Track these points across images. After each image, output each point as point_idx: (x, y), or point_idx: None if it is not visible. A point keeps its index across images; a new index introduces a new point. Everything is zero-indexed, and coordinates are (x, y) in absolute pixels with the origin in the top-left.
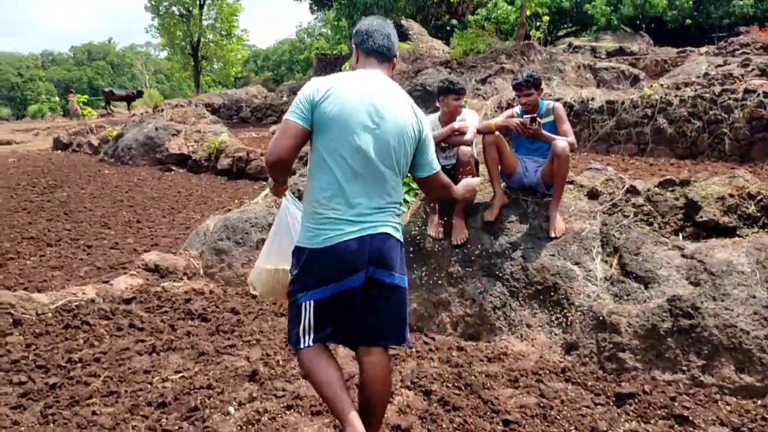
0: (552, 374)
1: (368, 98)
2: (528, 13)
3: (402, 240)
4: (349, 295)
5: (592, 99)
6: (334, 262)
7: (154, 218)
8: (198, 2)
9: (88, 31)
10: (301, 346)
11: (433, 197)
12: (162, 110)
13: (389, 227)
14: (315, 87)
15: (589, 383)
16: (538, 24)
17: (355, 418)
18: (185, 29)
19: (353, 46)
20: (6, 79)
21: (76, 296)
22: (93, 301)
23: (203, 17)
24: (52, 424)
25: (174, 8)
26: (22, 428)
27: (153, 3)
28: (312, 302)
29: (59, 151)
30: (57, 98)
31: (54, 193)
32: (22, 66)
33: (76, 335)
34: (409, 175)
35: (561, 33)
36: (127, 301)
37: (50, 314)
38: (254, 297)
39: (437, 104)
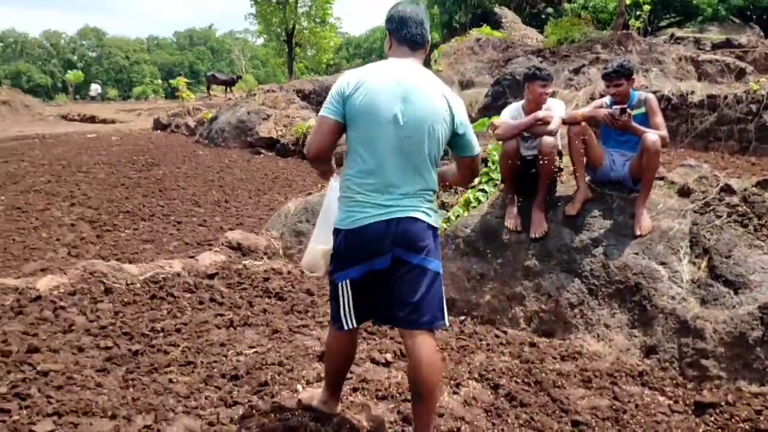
0: (628, 377)
1: (398, 88)
2: (628, 2)
3: (437, 225)
4: (379, 276)
5: (692, 92)
6: (361, 243)
7: (241, 198)
8: None
9: (190, 17)
10: (345, 328)
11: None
12: (254, 95)
13: (419, 212)
14: (346, 80)
15: (668, 389)
16: (638, 13)
17: (334, 399)
18: (281, 16)
19: (387, 31)
20: (115, 62)
21: (164, 269)
22: (179, 274)
23: (299, 4)
24: (131, 389)
25: None
26: (105, 390)
27: None
28: (348, 282)
29: (158, 131)
30: (160, 81)
31: (151, 171)
32: (129, 50)
33: (160, 306)
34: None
35: (663, 23)
36: (210, 277)
37: (138, 285)
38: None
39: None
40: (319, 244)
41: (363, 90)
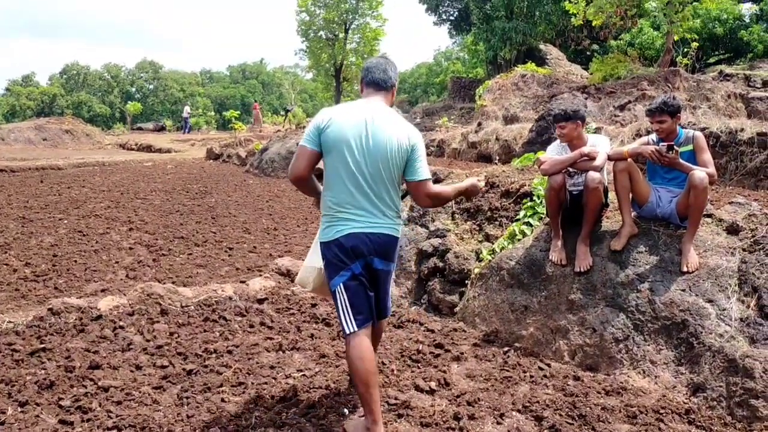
0: (674, 414)
1: (362, 123)
2: (675, 38)
3: (399, 236)
4: (362, 277)
5: (742, 130)
6: (344, 249)
7: (289, 227)
8: (344, 27)
9: (242, 51)
10: (348, 331)
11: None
12: (303, 127)
13: (387, 228)
14: (321, 117)
15: (715, 428)
16: (685, 50)
17: (380, 418)
18: (330, 52)
19: (360, 79)
20: (170, 94)
21: (216, 293)
22: (230, 298)
23: (347, 41)
24: (186, 407)
25: (321, 32)
26: (161, 407)
27: (303, 27)
28: (341, 285)
29: (211, 161)
30: (213, 113)
31: (204, 199)
32: (184, 82)
33: (213, 328)
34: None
35: (711, 60)
36: (260, 301)
37: (192, 307)
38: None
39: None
40: (312, 264)
41: (333, 126)
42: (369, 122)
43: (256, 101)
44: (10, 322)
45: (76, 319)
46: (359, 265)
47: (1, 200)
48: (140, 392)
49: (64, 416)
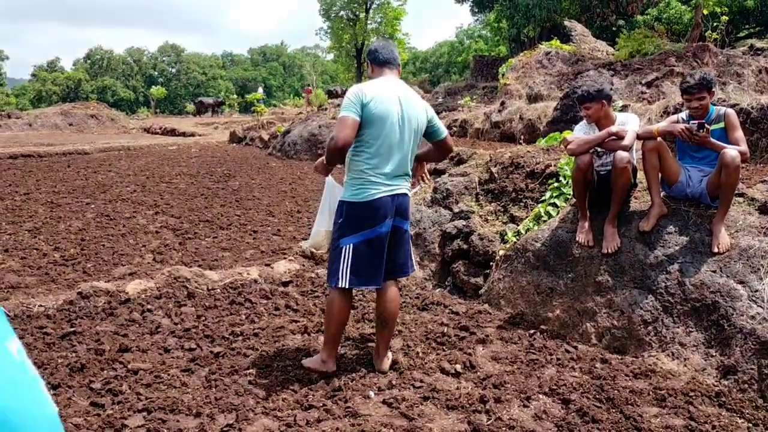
0: (704, 397)
1: (397, 99)
2: (705, 12)
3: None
4: (382, 238)
5: None
6: (373, 212)
7: (312, 209)
8: (365, 6)
9: (263, 33)
10: (338, 285)
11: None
12: (325, 109)
13: (405, 189)
14: (363, 91)
15: (747, 411)
16: (715, 24)
17: (332, 359)
18: (351, 32)
19: (368, 61)
20: (193, 77)
21: (242, 276)
22: (256, 281)
23: (368, 21)
24: (214, 389)
25: (343, 12)
26: (189, 389)
27: (325, 7)
28: (351, 245)
29: (234, 144)
30: (235, 95)
31: (228, 182)
32: (206, 65)
33: (239, 311)
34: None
35: (742, 34)
36: (285, 284)
37: (219, 290)
38: (398, 290)
39: None
40: (322, 227)
41: (378, 99)
42: (402, 99)
43: (308, 85)
44: (41, 305)
45: (105, 303)
46: (388, 225)
47: (29, 185)
48: (169, 375)
49: (95, 398)
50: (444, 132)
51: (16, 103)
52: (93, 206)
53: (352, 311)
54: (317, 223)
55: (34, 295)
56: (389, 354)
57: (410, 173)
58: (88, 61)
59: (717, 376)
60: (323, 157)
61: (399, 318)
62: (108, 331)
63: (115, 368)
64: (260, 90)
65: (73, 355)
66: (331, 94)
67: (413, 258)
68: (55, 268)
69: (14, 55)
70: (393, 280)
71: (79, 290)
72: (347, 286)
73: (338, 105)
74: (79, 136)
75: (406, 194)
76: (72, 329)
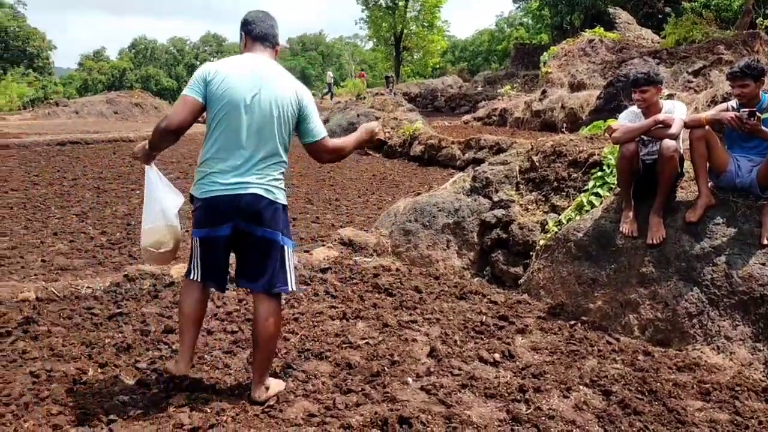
0: (751, 392)
1: (253, 78)
2: None
3: (281, 201)
4: (219, 240)
5: None
6: (207, 211)
7: (350, 197)
8: None
9: (302, 23)
10: (191, 277)
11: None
12: (364, 98)
13: (261, 189)
14: (207, 69)
15: None
16: (766, 11)
17: (181, 359)
18: (390, 21)
19: (242, 33)
20: None
21: None
22: (295, 267)
23: (408, 9)
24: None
25: (381, 1)
26: (231, 371)
27: None
28: (198, 239)
29: None
30: None
31: None
32: None
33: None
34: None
35: None
36: (324, 270)
37: None
38: (436, 278)
39: None
40: (157, 222)
41: (221, 78)
42: (263, 79)
43: (363, 70)
44: (88, 287)
45: (150, 286)
46: (225, 230)
47: (77, 171)
48: (212, 356)
49: (141, 377)
50: (319, 134)
51: (64, 92)
52: (138, 192)
53: (390, 298)
54: (145, 220)
55: (83, 277)
56: (267, 381)
57: (277, 169)
58: (133, 51)
59: (764, 371)
60: (146, 141)
61: (437, 306)
62: (153, 313)
63: (159, 348)
64: (329, 74)
65: (120, 335)
66: (388, 81)
67: (291, 275)
68: (102, 252)
69: (61, 45)
70: (265, 295)
71: (125, 273)
72: (198, 279)
73: (377, 93)
74: (124, 124)
75: (257, 195)
76: (119, 310)
